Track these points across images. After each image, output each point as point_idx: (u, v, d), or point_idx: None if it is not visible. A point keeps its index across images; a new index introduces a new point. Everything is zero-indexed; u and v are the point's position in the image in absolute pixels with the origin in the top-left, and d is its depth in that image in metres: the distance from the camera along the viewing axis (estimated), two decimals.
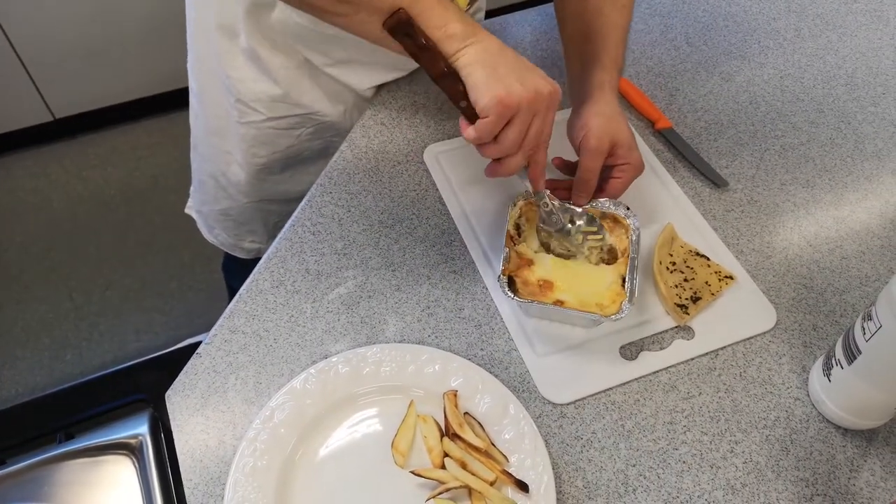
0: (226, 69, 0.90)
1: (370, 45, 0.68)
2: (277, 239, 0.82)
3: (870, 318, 0.59)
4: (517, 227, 0.76)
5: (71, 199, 2.17)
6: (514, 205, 0.77)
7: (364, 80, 0.93)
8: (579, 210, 0.75)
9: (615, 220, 0.76)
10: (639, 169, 0.77)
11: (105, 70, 2.16)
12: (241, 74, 0.90)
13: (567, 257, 0.75)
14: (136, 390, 1.11)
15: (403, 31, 0.62)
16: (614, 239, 0.76)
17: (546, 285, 0.72)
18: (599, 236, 0.75)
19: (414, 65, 0.94)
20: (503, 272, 0.71)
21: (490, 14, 1.11)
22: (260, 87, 0.90)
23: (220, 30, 0.87)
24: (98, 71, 2.16)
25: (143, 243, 2.03)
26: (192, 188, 1.14)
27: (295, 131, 0.97)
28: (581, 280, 0.73)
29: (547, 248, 0.76)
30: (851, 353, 0.62)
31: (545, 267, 0.74)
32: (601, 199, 0.77)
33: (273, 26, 0.85)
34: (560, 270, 0.73)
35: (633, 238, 0.74)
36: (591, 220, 0.75)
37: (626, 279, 0.71)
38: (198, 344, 0.73)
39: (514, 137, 0.64)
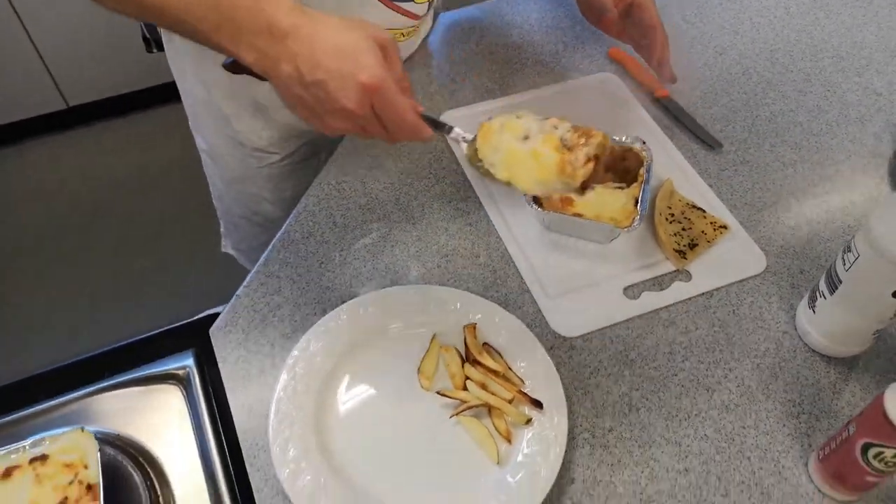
0: (235, 127, 0.95)
1: None
2: (305, 196, 0.88)
3: (849, 250, 0.66)
4: None
5: (85, 184, 2.23)
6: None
7: None
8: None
9: (632, 150, 0.83)
10: None
11: (119, 58, 2.22)
12: (250, 126, 0.95)
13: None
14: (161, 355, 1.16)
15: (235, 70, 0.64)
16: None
17: (566, 201, 0.80)
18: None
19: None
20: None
21: None
22: (269, 132, 0.96)
23: (221, 95, 0.92)
24: (112, 59, 2.22)
25: (158, 227, 2.09)
26: (222, 230, 1.20)
27: (311, 161, 1.03)
28: (597, 200, 0.81)
29: None
30: (833, 284, 0.68)
31: None
32: (617, 137, 0.85)
33: None
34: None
35: (648, 165, 0.82)
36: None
37: (639, 200, 0.79)
38: (216, 315, 0.79)
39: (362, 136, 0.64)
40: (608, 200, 0.81)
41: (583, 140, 0.59)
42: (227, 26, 0.58)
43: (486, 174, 0.63)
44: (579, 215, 0.79)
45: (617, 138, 0.86)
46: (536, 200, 0.80)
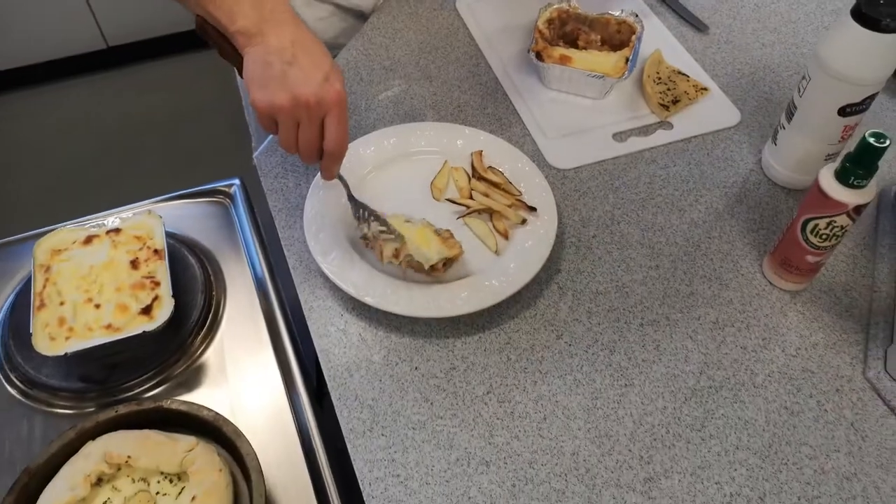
0: None
1: None
2: (336, 59, 1.00)
3: (804, 77, 0.77)
4: (549, 23, 0.96)
5: (121, 120, 2.37)
6: (547, 7, 0.96)
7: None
8: (380, 215, 0.78)
9: (625, 23, 0.95)
10: None
11: (160, 1, 2.35)
12: None
13: (581, 48, 0.94)
14: None
15: (205, 29, 0.70)
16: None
17: (565, 58, 0.92)
18: (392, 236, 0.76)
19: None
20: (532, 48, 0.91)
21: None
22: None
23: None
24: (152, 1, 2.35)
25: (195, 154, 2.23)
26: (252, 143, 1.26)
27: None
28: (592, 59, 0.92)
29: None
30: (791, 113, 0.79)
31: (564, 49, 0.94)
32: (613, 12, 0.96)
33: None
34: (576, 52, 0.93)
35: (639, 34, 0.94)
36: (384, 223, 0.77)
37: (629, 59, 0.91)
38: None
39: (284, 137, 0.69)
40: (602, 60, 0.92)
41: (449, 236, 0.75)
42: None
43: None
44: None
45: (612, 13, 0.97)
46: (539, 56, 0.92)
